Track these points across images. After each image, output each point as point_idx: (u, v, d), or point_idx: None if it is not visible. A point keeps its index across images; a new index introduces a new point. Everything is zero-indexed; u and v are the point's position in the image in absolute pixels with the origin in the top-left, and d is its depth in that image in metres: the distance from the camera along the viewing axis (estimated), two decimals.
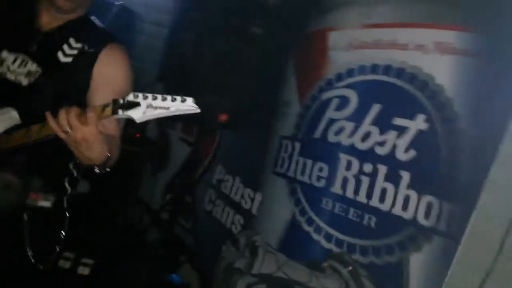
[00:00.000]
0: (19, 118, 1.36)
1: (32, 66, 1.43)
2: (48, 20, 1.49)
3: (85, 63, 1.46)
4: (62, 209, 1.53)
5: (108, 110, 1.11)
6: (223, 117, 2.24)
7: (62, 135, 1.14)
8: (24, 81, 1.42)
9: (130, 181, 3.69)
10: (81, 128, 1.11)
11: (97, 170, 1.25)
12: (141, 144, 3.64)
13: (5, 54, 1.45)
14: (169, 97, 1.04)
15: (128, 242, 3.66)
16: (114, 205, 3.60)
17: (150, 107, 1.04)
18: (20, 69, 1.43)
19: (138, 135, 3.62)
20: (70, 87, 1.43)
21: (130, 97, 1.06)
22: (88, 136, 1.12)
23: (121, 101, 1.08)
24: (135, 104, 1.05)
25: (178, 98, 1.04)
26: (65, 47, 1.47)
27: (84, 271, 2.97)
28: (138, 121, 1.06)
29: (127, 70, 1.53)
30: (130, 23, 4.57)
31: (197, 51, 2.60)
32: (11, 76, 1.42)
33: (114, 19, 4.54)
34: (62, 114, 1.12)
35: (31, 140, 1.25)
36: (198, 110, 1.04)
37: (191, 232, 2.90)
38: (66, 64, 1.45)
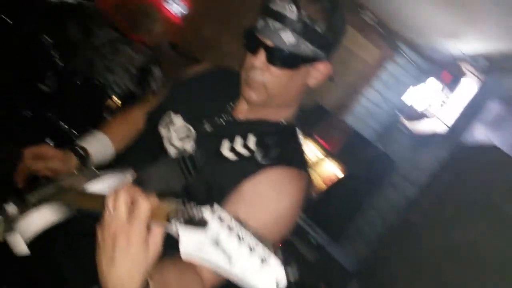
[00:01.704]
0: None
1: (188, 144, 1.16)
2: (243, 108, 1.23)
3: (243, 170, 1.09)
4: None
5: (172, 212, 0.66)
6: None
7: (107, 213, 0.72)
8: (172, 153, 1.18)
9: None
10: (122, 217, 0.69)
11: None
12: None
13: (178, 120, 1.22)
14: (261, 248, 0.54)
15: None
16: None
17: (214, 241, 0.58)
18: (178, 142, 1.18)
19: None
20: (204, 185, 1.07)
21: (208, 214, 0.61)
22: (122, 233, 0.68)
23: (194, 212, 0.62)
24: (202, 223, 0.60)
25: (273, 258, 0.53)
26: (238, 140, 1.14)
27: None
28: (181, 251, 0.60)
29: (286, 205, 1.07)
30: (385, 170, 4.32)
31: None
32: (165, 142, 1.20)
33: (371, 160, 4.35)
34: (119, 189, 0.73)
35: (79, 206, 0.90)
36: (283, 285, 0.52)
37: None
38: (224, 158, 1.11)
